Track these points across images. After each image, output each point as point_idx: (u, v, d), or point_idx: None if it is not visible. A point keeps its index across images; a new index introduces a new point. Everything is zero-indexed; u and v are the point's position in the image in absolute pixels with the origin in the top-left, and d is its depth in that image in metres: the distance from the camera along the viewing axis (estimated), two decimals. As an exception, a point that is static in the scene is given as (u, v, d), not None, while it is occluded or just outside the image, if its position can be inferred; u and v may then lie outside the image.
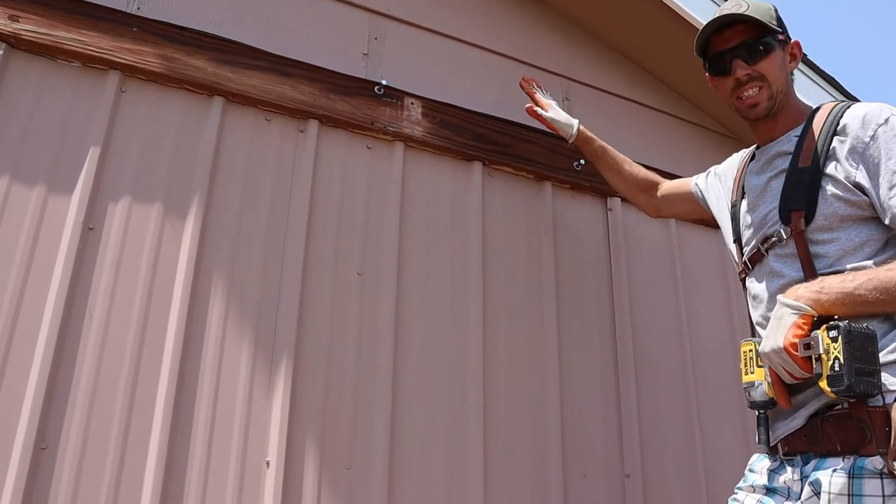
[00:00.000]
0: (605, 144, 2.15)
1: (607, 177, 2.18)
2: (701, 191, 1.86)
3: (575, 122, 2.14)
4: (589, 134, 2.14)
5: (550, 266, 2.25)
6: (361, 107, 2.08)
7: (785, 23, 1.59)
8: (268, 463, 1.69)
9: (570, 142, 2.15)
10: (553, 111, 2.16)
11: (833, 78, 2.81)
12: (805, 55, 2.74)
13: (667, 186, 2.03)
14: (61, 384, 1.55)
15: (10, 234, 1.60)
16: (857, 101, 2.83)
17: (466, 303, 2.07)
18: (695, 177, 1.92)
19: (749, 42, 1.51)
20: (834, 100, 1.47)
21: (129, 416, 1.59)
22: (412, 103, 2.17)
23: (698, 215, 1.93)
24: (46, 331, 1.55)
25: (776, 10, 1.57)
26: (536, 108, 2.16)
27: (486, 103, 2.33)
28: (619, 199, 2.47)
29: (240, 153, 1.91)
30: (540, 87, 2.26)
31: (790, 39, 1.56)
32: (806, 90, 2.77)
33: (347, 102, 2.06)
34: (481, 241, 2.16)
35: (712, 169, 1.86)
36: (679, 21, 2.46)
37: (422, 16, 2.34)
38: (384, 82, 2.14)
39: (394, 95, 2.15)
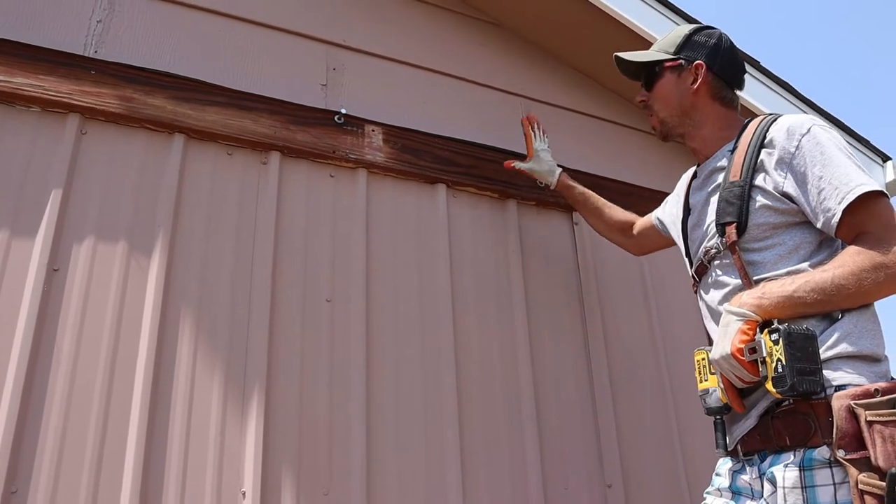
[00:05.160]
0: (585, 190, 2.24)
1: (589, 222, 2.28)
2: (662, 223, 1.92)
3: (557, 170, 2.26)
4: (570, 182, 2.25)
5: (519, 282, 2.28)
6: (322, 136, 2.11)
7: (703, 44, 1.64)
8: (244, 494, 1.68)
9: (551, 188, 2.27)
10: (535, 161, 2.27)
11: (788, 83, 2.89)
12: (758, 63, 2.82)
13: (639, 224, 2.10)
14: (31, 425, 1.54)
15: (-27, 280, 1.61)
16: (810, 103, 2.91)
17: (437, 323, 2.09)
18: (655, 211, 1.99)
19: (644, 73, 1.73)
20: (767, 114, 1.53)
21: (100, 455, 1.58)
22: (373, 130, 2.21)
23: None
24: (14, 373, 1.55)
25: (689, 34, 1.66)
26: (514, 164, 2.28)
27: (446, 126, 2.38)
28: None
29: (202, 188, 1.93)
30: (539, 128, 2.35)
31: (690, 62, 1.63)
32: (764, 97, 2.84)
33: (308, 133, 2.09)
34: (449, 261, 2.18)
35: (668, 198, 1.92)
36: (632, 36, 2.53)
37: (378, 44, 2.38)
38: (344, 111, 2.18)
39: (354, 123, 2.18)
